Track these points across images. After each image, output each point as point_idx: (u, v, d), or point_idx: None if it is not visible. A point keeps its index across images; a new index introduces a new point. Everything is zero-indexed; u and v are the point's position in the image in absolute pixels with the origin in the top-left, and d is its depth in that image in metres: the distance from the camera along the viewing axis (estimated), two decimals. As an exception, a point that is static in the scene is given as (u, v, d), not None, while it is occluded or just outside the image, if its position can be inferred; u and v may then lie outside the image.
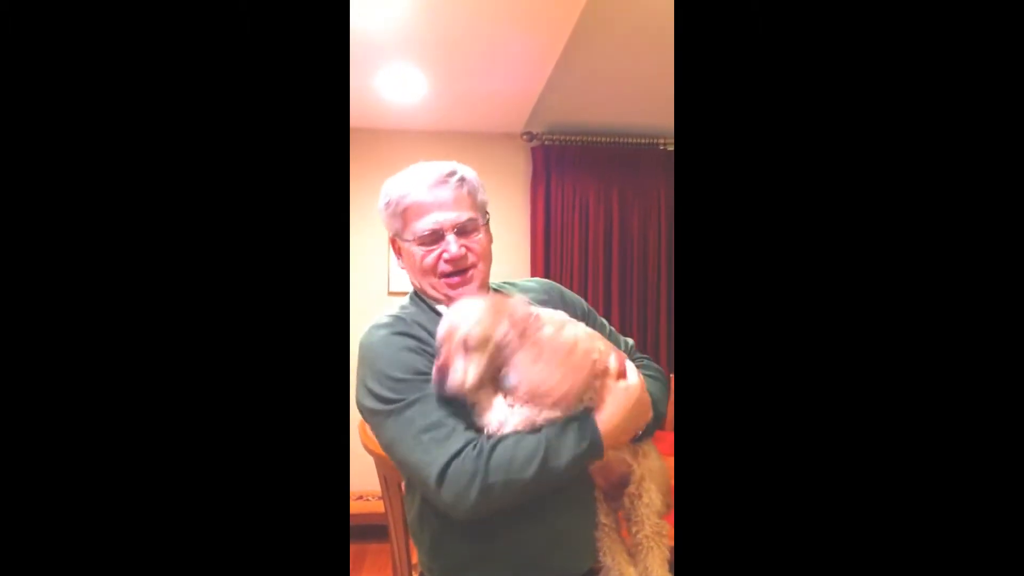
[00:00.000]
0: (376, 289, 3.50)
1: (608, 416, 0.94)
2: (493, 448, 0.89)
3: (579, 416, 0.93)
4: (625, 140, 3.60)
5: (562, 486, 0.94)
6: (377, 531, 3.32)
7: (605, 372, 0.96)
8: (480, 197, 1.09)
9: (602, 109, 3.33)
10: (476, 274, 1.06)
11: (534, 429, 0.91)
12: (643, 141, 3.61)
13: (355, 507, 3.31)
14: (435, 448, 0.89)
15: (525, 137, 3.61)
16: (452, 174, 1.05)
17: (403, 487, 1.22)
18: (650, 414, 1.01)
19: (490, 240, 1.11)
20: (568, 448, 0.90)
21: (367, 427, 1.83)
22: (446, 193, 1.04)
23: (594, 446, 0.92)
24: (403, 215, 1.05)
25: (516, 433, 0.91)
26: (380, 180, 3.57)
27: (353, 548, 3.26)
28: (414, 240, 1.04)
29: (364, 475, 3.20)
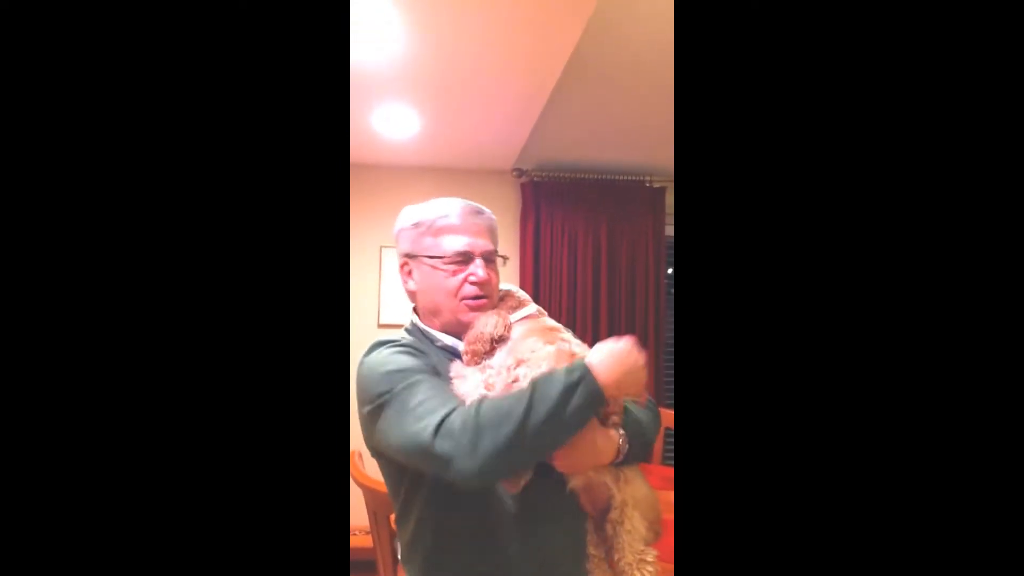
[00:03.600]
0: (367, 321, 3.51)
1: (599, 360, 0.92)
2: (482, 401, 0.90)
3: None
4: (612, 177, 3.67)
5: (558, 434, 0.91)
6: (364, 567, 3.26)
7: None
8: (497, 237, 1.15)
9: (590, 147, 3.41)
10: (488, 305, 1.10)
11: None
12: (630, 178, 3.68)
13: (342, 542, 3.26)
14: (428, 415, 0.90)
15: (515, 173, 3.67)
16: (482, 210, 1.12)
17: (393, 522, 1.23)
18: (644, 379, 0.99)
19: None
20: (556, 382, 0.89)
21: (359, 456, 1.83)
22: (480, 222, 1.10)
23: (586, 380, 0.89)
24: (436, 234, 1.09)
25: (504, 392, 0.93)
26: (372, 213, 3.61)
27: (339, 585, 3.21)
28: (442, 259, 1.07)
29: (352, 510, 3.17)
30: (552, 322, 1.07)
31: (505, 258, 1.16)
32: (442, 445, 0.86)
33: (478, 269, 1.07)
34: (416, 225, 1.10)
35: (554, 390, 0.88)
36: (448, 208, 1.09)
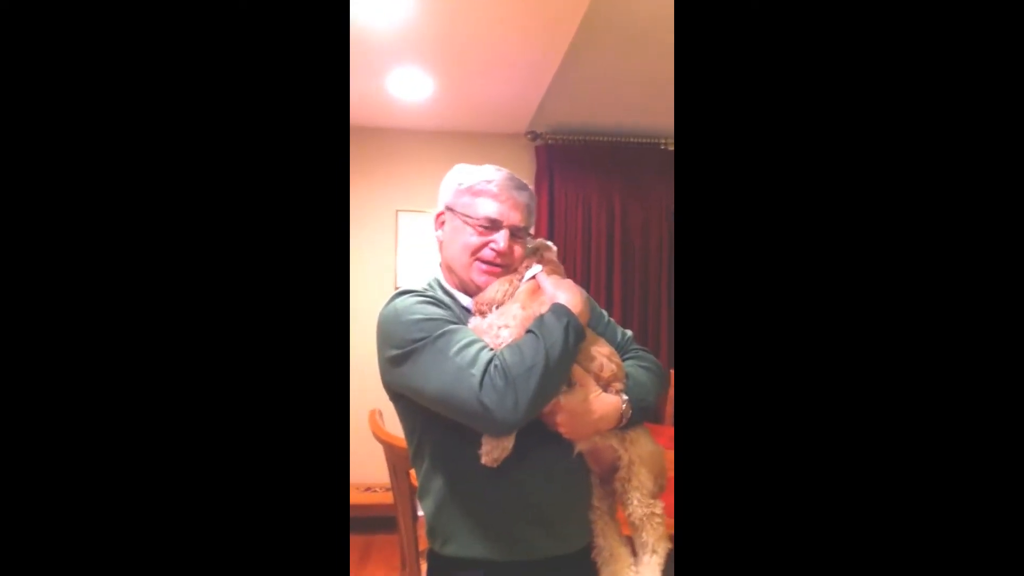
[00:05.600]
0: (384, 285, 3.57)
1: (567, 300, 1.05)
2: (503, 356, 0.98)
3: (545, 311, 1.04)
4: (627, 140, 3.66)
5: (566, 371, 1.02)
6: (384, 523, 3.38)
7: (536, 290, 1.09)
8: (533, 220, 1.20)
9: (604, 110, 3.39)
10: (501, 274, 1.14)
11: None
12: (644, 141, 3.67)
13: (363, 498, 3.37)
14: (468, 367, 0.97)
15: (529, 137, 3.66)
16: (528, 187, 1.18)
17: (413, 474, 1.28)
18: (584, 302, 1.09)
19: None
20: (554, 327, 1.00)
21: (379, 414, 1.88)
22: (522, 198, 1.15)
23: (571, 319, 1.02)
24: (474, 195, 1.14)
25: (513, 343, 1.01)
26: (388, 177, 3.62)
27: (360, 539, 3.33)
28: (473, 221, 1.12)
29: (372, 467, 3.27)
30: (544, 283, 1.11)
31: (532, 236, 1.21)
32: (489, 396, 0.95)
33: (500, 240, 1.11)
34: (460, 183, 1.16)
35: (558, 334, 0.99)
36: (493, 175, 1.15)
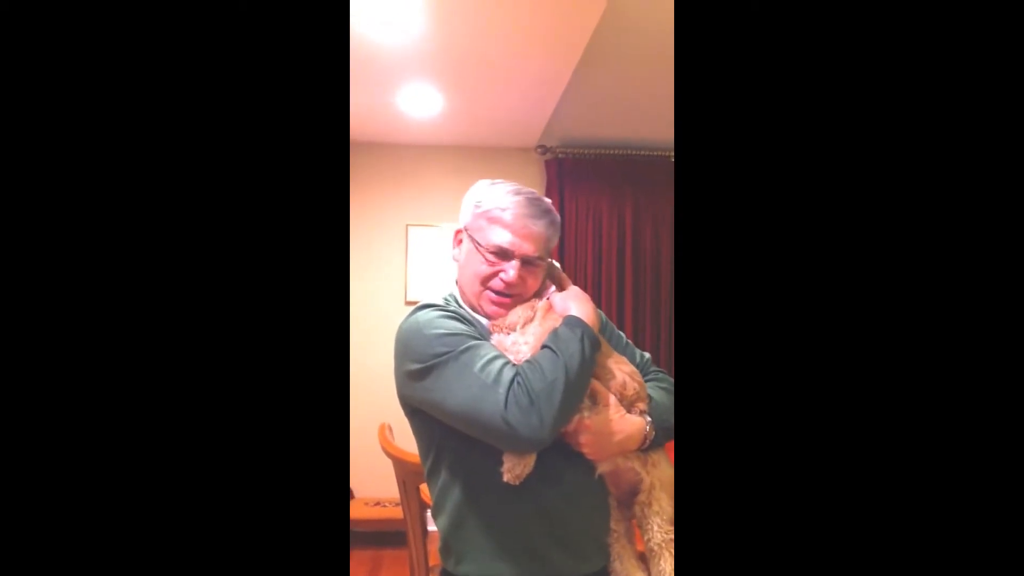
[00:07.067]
0: (394, 299, 3.57)
1: (578, 310, 1.05)
2: (524, 372, 0.98)
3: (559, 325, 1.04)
4: (636, 153, 3.66)
5: (585, 382, 1.03)
6: (394, 537, 3.37)
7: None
8: (555, 242, 1.17)
9: (613, 123, 3.40)
10: (512, 304, 1.11)
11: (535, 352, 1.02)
12: (654, 154, 3.67)
13: (372, 513, 3.36)
14: (493, 384, 0.97)
15: (539, 151, 3.68)
16: (550, 211, 1.14)
17: (424, 491, 1.27)
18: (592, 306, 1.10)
19: None
20: (570, 339, 1.00)
21: (388, 428, 1.88)
22: (538, 227, 1.10)
23: (586, 330, 1.02)
24: (489, 221, 1.11)
25: (529, 359, 1.01)
26: (398, 192, 3.64)
27: (370, 554, 3.32)
28: (485, 247, 1.10)
29: (382, 481, 3.26)
30: (554, 300, 1.11)
31: (549, 262, 1.17)
32: (513, 415, 0.94)
33: (510, 270, 1.08)
34: (478, 204, 1.13)
35: (575, 347, 0.99)
36: (508, 202, 1.10)
